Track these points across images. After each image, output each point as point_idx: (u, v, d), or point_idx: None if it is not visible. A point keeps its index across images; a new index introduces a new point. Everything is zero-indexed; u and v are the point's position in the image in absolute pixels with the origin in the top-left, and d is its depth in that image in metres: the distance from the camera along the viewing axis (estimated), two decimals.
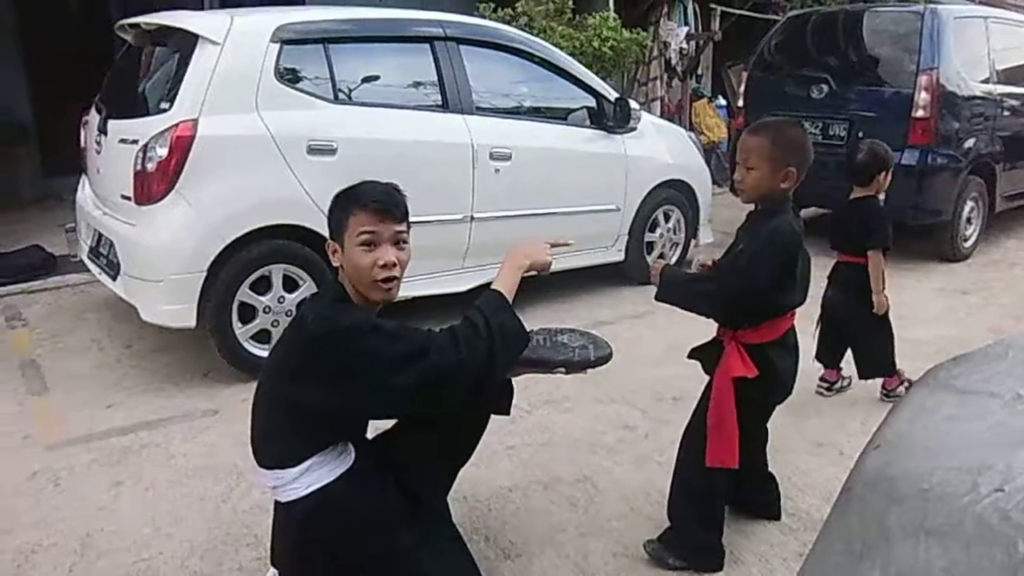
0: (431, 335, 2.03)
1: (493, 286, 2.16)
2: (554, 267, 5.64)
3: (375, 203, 2.04)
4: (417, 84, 4.70)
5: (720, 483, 2.57)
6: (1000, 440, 1.15)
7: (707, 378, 2.64)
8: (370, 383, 1.96)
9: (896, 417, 1.38)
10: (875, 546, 1.12)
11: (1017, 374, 1.37)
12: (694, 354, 2.71)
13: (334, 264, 2.12)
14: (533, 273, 2.28)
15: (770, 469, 2.89)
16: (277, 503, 2.17)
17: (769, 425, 3.57)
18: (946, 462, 1.15)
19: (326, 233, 4.14)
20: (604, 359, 2.42)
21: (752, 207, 2.61)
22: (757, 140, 2.46)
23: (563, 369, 2.41)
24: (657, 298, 2.57)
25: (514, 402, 3.57)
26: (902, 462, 1.21)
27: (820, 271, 6.05)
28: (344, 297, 2.10)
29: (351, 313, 2.03)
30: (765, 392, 2.59)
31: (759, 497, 2.88)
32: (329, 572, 2.11)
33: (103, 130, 4.38)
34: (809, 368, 4.22)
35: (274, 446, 2.11)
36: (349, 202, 2.07)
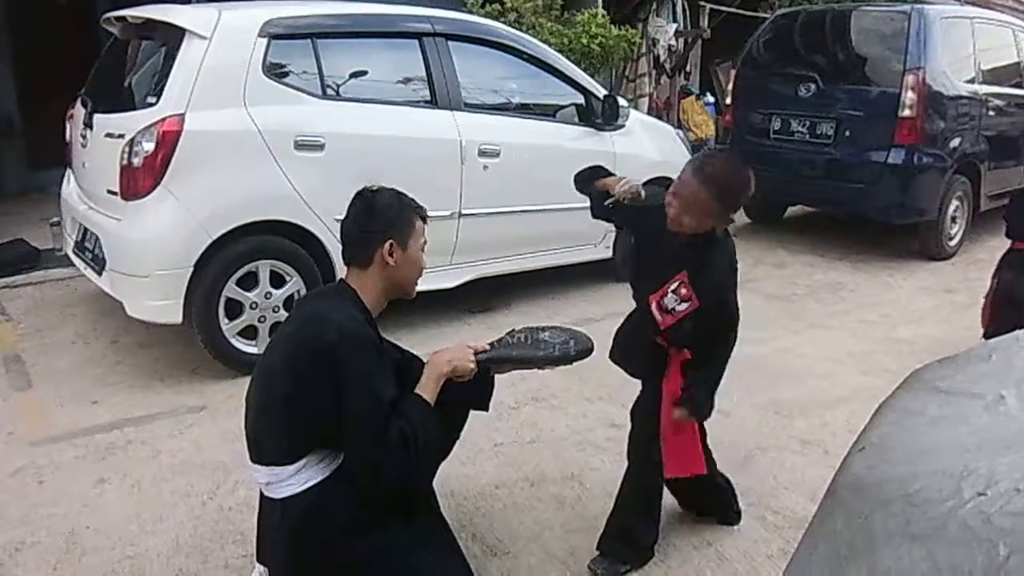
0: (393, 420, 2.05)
1: (417, 391, 2.16)
2: (543, 265, 5.66)
3: (424, 212, 2.28)
4: (405, 80, 4.69)
5: (661, 484, 2.65)
6: (983, 444, 1.16)
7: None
8: (349, 386, 2.00)
9: (881, 419, 1.39)
10: (859, 550, 1.13)
11: (1000, 376, 1.39)
12: (620, 358, 2.72)
13: (389, 262, 2.15)
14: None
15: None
16: (266, 499, 2.16)
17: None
18: (930, 466, 1.16)
19: (313, 229, 4.16)
20: (585, 352, 2.43)
21: None
22: (703, 194, 2.27)
23: (542, 365, 2.42)
24: (694, 413, 2.53)
25: (500, 399, 3.62)
26: (886, 466, 1.22)
27: (803, 267, 6.11)
28: (359, 304, 2.14)
29: (368, 329, 2.09)
30: None
31: (717, 498, 2.89)
32: (322, 568, 2.11)
33: (89, 124, 4.35)
34: (788, 366, 4.25)
35: (270, 443, 2.11)
36: (411, 208, 2.24)
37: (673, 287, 2.39)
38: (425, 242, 2.27)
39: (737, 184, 2.33)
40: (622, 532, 2.64)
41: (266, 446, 2.12)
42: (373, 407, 2.00)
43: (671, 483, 2.70)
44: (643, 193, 2.53)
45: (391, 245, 2.15)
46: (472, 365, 2.25)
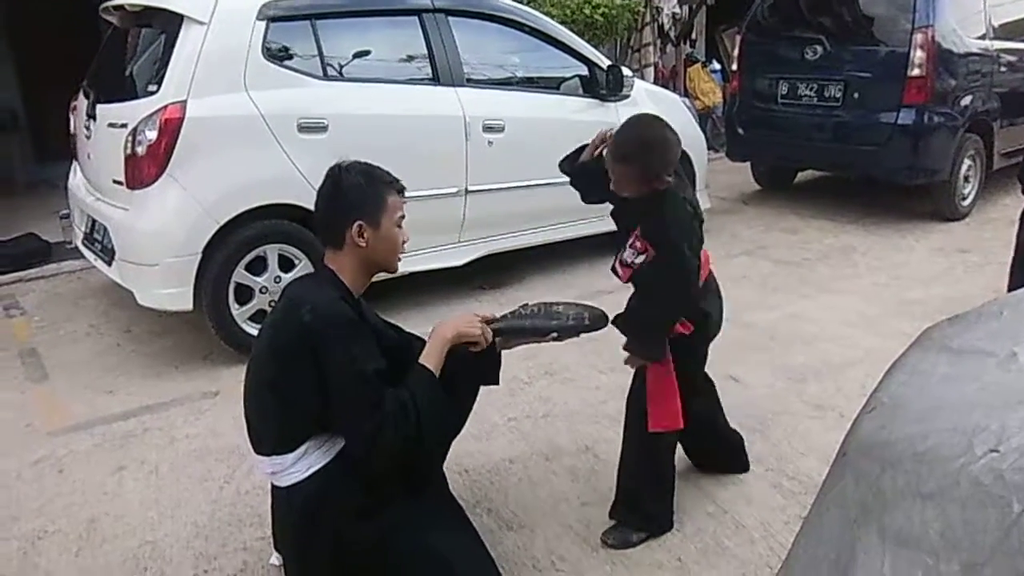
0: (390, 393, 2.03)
1: (420, 361, 2.15)
2: (551, 239, 5.63)
3: (400, 185, 2.20)
4: (407, 58, 4.66)
5: (668, 446, 2.63)
6: (995, 400, 1.14)
7: None
8: (330, 364, 1.99)
9: (891, 379, 1.37)
10: (871, 510, 1.12)
11: (1011, 332, 1.36)
12: (618, 321, 2.66)
13: (359, 244, 2.11)
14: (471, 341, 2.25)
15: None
16: (275, 488, 2.17)
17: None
18: (941, 424, 1.14)
19: None
20: (598, 323, 2.43)
21: None
22: (625, 169, 2.39)
23: (556, 335, 2.41)
24: (634, 351, 2.52)
25: (514, 374, 3.62)
26: (897, 425, 1.21)
27: (815, 232, 6.06)
28: (338, 283, 2.11)
29: (343, 306, 2.05)
30: (698, 342, 2.61)
31: (724, 453, 2.95)
32: (333, 553, 2.12)
33: (92, 115, 4.35)
34: (800, 331, 4.23)
35: (269, 432, 2.12)
36: (381, 184, 2.16)
37: (630, 242, 2.46)
38: (403, 216, 2.19)
39: (649, 148, 2.39)
40: (628, 497, 2.65)
41: (264, 436, 2.13)
42: (358, 381, 1.99)
43: (683, 439, 2.73)
44: (609, 134, 2.56)
45: (360, 227, 2.10)
46: (478, 331, 2.23)
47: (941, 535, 1.03)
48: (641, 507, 2.64)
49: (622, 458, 2.69)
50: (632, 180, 2.41)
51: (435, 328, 2.22)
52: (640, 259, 2.43)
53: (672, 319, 2.45)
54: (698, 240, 2.47)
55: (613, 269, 2.55)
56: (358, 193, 2.13)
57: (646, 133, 2.44)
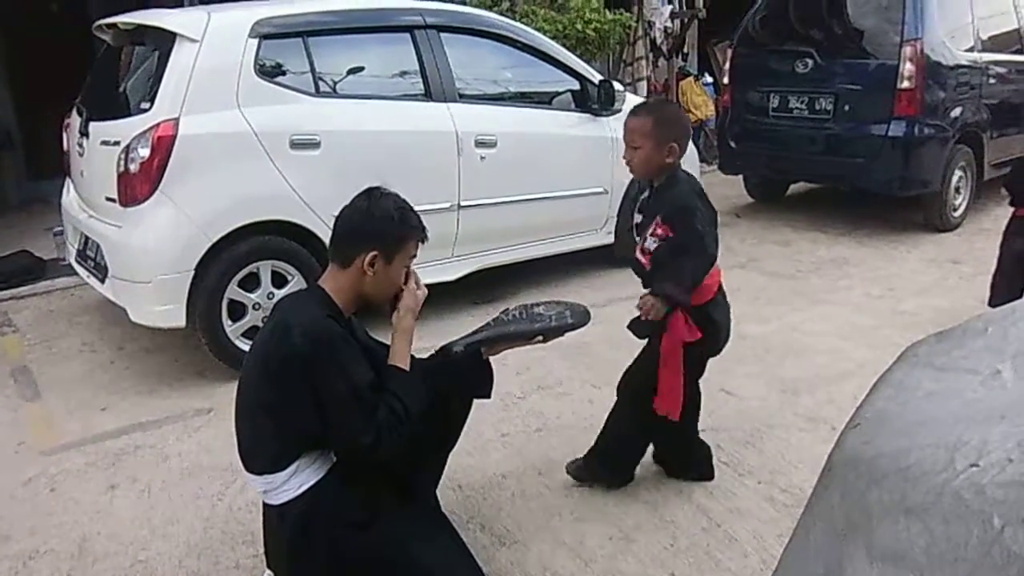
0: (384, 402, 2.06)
1: (390, 361, 2.18)
2: (544, 253, 5.64)
3: (425, 235, 2.23)
4: (399, 74, 4.68)
5: (648, 432, 2.87)
6: (977, 416, 1.15)
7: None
8: (324, 383, 2.01)
9: (876, 395, 1.38)
10: (857, 526, 1.13)
11: (996, 350, 1.37)
12: (633, 325, 2.76)
13: (365, 272, 2.12)
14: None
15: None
16: (268, 506, 2.17)
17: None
18: (924, 439, 1.15)
19: (312, 228, 4.15)
20: (580, 321, 2.46)
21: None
22: (638, 121, 2.64)
23: (541, 338, 2.42)
24: (665, 291, 2.59)
25: (507, 390, 3.62)
26: (881, 441, 1.22)
27: (807, 244, 6.07)
28: (328, 302, 2.12)
29: (331, 324, 2.06)
30: (709, 349, 2.76)
31: (691, 457, 3.01)
32: (326, 570, 2.12)
33: (85, 132, 4.36)
34: (793, 343, 4.24)
35: (260, 451, 2.12)
36: (409, 225, 2.18)
37: (650, 231, 2.64)
38: (414, 256, 2.24)
39: (668, 109, 2.81)
40: (604, 457, 2.91)
41: (257, 455, 2.13)
42: (354, 395, 2.00)
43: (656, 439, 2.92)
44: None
45: (374, 256, 2.11)
46: (418, 293, 2.25)
47: (926, 551, 1.04)
48: (611, 466, 2.92)
49: (608, 431, 2.88)
50: (645, 138, 2.59)
51: (393, 325, 2.23)
52: (660, 244, 2.60)
53: (701, 270, 2.58)
54: (710, 217, 2.63)
55: (634, 260, 2.72)
56: (387, 225, 2.13)
57: (656, 103, 2.71)
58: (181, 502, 3.01)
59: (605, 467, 2.94)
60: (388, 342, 2.43)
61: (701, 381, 2.89)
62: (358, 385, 2.01)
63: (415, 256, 2.23)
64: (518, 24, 5.43)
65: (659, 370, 2.65)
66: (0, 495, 3.11)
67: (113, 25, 4.45)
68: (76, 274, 4.71)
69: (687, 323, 2.60)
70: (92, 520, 2.93)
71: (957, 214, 6.61)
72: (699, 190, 2.70)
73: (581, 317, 2.47)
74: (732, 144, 7.15)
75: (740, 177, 7.63)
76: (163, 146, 3.76)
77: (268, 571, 2.32)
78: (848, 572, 1.12)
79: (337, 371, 2.00)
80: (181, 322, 3.89)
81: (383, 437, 2.00)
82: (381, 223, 2.13)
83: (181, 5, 4.68)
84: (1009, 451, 1.04)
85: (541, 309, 2.48)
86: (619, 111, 5.33)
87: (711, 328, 2.68)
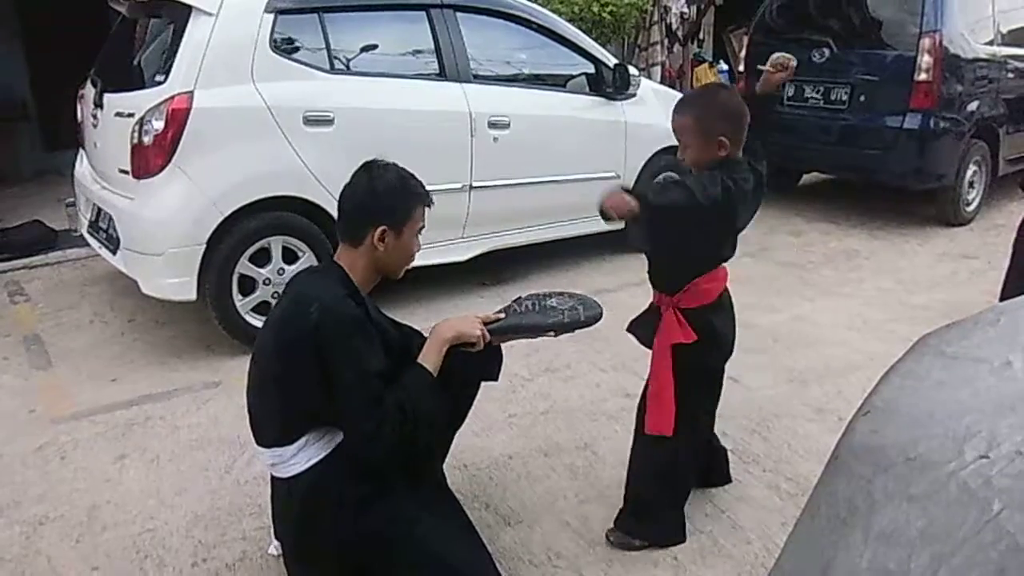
0: (388, 395, 2.04)
1: (419, 360, 2.16)
2: (555, 236, 5.62)
3: (429, 199, 2.24)
4: (414, 53, 4.66)
5: (684, 457, 2.56)
6: (987, 406, 1.15)
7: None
8: (335, 363, 2.01)
9: (886, 384, 1.38)
10: (859, 511, 1.13)
11: (1008, 340, 1.37)
12: (632, 327, 2.67)
13: (377, 247, 2.12)
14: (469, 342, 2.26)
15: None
16: (275, 479, 2.19)
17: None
18: (932, 430, 1.15)
19: (324, 205, 4.15)
20: (594, 318, 2.42)
21: None
22: (680, 120, 2.42)
23: (552, 332, 2.41)
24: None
25: (515, 371, 3.63)
26: (889, 429, 1.22)
27: (819, 235, 6.05)
28: (347, 281, 2.12)
29: (351, 305, 2.06)
30: (706, 356, 2.53)
31: (710, 467, 2.87)
32: (332, 544, 2.14)
33: (99, 104, 4.37)
34: (802, 334, 4.24)
35: (270, 424, 2.13)
36: (414, 195, 2.20)
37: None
38: (422, 227, 2.24)
39: (712, 101, 2.43)
40: (636, 507, 2.62)
41: (265, 428, 2.15)
42: (361, 381, 2.00)
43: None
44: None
45: (383, 231, 2.12)
46: (478, 332, 2.24)
47: (922, 532, 1.04)
48: (653, 517, 2.59)
49: (633, 468, 2.65)
50: (691, 137, 2.37)
51: (435, 328, 2.24)
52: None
53: (682, 199, 2.25)
54: (733, 195, 2.30)
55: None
56: (391, 198, 2.15)
57: (700, 96, 2.53)
58: (189, 473, 3.04)
59: (643, 522, 2.61)
60: (401, 320, 2.45)
61: None
62: (368, 371, 2.01)
63: (424, 226, 2.24)
64: (534, 5, 5.39)
65: (649, 377, 2.53)
66: (11, 462, 3.15)
67: None
68: (88, 245, 4.73)
69: (680, 323, 2.44)
70: (101, 488, 2.96)
71: (970, 209, 6.57)
72: (744, 180, 2.34)
73: (593, 313, 2.41)
74: None
75: None
76: (177, 119, 3.76)
77: (275, 542, 2.34)
78: (842, 554, 1.12)
79: (350, 354, 2.00)
80: (192, 295, 3.91)
81: (383, 430, 1.99)
82: (386, 198, 2.14)
83: None
84: (1018, 444, 1.04)
85: (554, 302, 2.44)
86: (633, 95, 5.31)
87: (709, 333, 2.47)
